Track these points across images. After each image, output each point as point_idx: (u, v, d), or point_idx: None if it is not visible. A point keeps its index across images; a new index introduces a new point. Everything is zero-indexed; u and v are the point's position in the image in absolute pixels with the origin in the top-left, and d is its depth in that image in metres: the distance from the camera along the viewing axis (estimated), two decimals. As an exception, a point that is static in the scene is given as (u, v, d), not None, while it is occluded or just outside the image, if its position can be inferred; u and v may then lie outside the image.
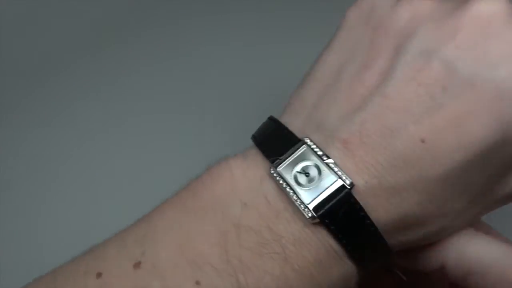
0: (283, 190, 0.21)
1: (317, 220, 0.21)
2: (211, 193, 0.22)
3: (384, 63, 0.22)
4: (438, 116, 0.20)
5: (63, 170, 0.40)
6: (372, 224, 0.21)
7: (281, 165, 0.22)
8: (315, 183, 0.21)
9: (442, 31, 0.21)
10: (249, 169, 0.22)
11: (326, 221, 0.21)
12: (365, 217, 0.21)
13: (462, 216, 0.22)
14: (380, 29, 0.23)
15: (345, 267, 0.21)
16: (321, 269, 0.21)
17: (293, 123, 0.23)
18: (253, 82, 0.25)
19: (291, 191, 0.21)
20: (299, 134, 0.23)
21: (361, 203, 0.21)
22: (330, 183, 0.21)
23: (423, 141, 0.20)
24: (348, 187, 0.21)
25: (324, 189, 0.21)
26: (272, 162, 0.22)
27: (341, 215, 0.21)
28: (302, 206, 0.21)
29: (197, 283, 0.21)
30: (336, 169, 0.21)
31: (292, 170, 0.22)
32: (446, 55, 0.21)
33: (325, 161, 0.21)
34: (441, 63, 0.21)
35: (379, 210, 0.21)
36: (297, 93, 0.25)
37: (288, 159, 0.22)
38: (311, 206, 0.21)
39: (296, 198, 0.21)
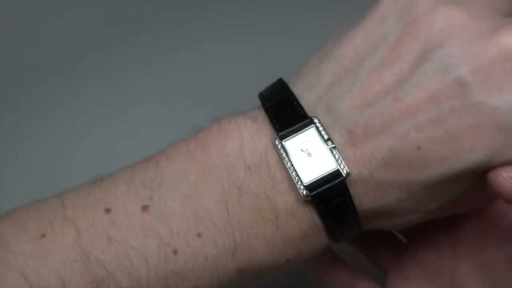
0: (284, 164, 0.23)
1: (310, 198, 0.23)
2: (220, 149, 0.24)
3: (405, 66, 0.23)
4: (439, 130, 0.22)
5: (63, 171, 0.40)
6: (355, 210, 0.23)
7: (287, 138, 0.23)
8: (315, 164, 0.23)
9: (467, 52, 0.22)
10: (257, 134, 0.24)
11: (317, 200, 0.23)
12: (351, 203, 0.23)
13: (430, 214, 0.25)
14: (412, 30, 0.23)
15: (322, 239, 0.24)
16: (304, 239, 0.24)
17: (305, 97, 0.24)
18: (254, 82, 0.25)
19: (292, 167, 0.23)
20: (308, 111, 0.24)
21: (350, 190, 0.23)
22: (328, 168, 0.23)
23: (419, 148, 0.22)
24: (344, 175, 0.23)
25: (322, 172, 0.23)
26: (278, 132, 0.23)
27: (331, 198, 0.23)
28: (299, 183, 0.23)
29: (199, 235, 0.23)
30: (337, 156, 0.23)
31: (296, 146, 0.23)
32: (464, 76, 0.22)
33: (328, 146, 0.23)
34: (456, 82, 0.22)
35: (364, 198, 0.23)
36: (315, 66, 0.25)
37: (295, 134, 0.23)
38: (307, 185, 0.23)
39: (295, 175, 0.23)
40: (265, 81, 0.26)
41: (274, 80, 0.26)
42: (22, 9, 0.45)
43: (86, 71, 0.44)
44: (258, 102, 0.25)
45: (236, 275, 0.23)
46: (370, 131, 0.23)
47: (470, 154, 0.22)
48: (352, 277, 0.30)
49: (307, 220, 0.23)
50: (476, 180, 0.23)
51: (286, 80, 0.26)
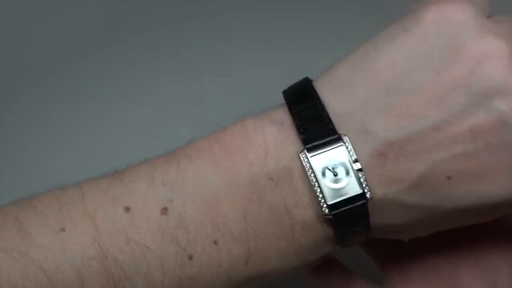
0: (309, 179, 0.23)
1: (330, 217, 0.23)
2: (243, 157, 0.23)
3: (446, 94, 0.22)
4: (472, 163, 0.22)
5: (63, 170, 0.40)
6: (369, 226, 0.23)
7: (314, 154, 0.23)
8: (340, 184, 0.23)
9: (510, 87, 0.22)
10: (283, 144, 0.23)
11: (337, 219, 0.23)
12: (367, 222, 0.23)
13: (433, 231, 0.25)
14: (458, 57, 0.22)
15: (332, 247, 0.24)
16: (316, 249, 0.24)
17: (335, 108, 0.23)
18: (255, 82, 0.25)
19: (316, 184, 0.23)
20: (338, 126, 0.23)
21: (370, 209, 0.23)
22: (354, 191, 0.23)
23: (449, 178, 0.22)
24: (367, 199, 0.23)
25: (347, 195, 0.23)
26: (305, 144, 0.23)
27: (351, 219, 0.23)
28: (322, 201, 0.23)
29: (215, 242, 0.23)
30: (362, 179, 0.23)
31: (323, 163, 0.23)
32: (506, 114, 0.22)
33: (355, 168, 0.23)
34: (497, 119, 0.22)
35: (381, 215, 0.23)
36: (347, 74, 0.24)
37: (322, 150, 0.23)
38: (330, 205, 0.23)
39: (319, 193, 0.23)
40: (266, 81, 0.26)
41: (274, 79, 0.26)
42: (22, 9, 0.45)
43: (86, 71, 0.44)
44: (259, 102, 0.25)
45: (247, 280, 0.24)
46: (402, 155, 0.22)
47: (498, 190, 0.22)
48: (348, 279, 0.30)
49: (323, 234, 0.23)
50: (496, 212, 0.24)
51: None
